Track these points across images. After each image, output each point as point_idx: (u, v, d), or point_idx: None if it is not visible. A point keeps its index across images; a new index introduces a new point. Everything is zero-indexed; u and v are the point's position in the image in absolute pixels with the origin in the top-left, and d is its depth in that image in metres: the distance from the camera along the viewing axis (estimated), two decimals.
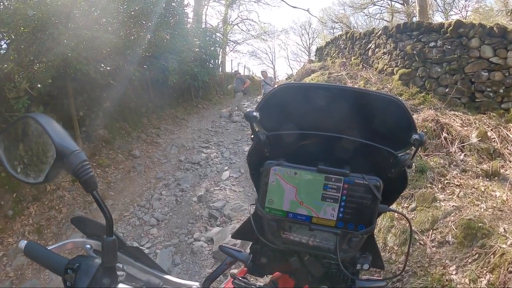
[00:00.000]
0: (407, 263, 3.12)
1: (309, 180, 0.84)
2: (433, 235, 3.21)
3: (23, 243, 0.80)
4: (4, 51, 4.92)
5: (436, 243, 3.13)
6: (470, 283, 2.64)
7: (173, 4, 8.98)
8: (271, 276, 1.32)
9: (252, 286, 0.95)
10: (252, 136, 0.90)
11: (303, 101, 0.93)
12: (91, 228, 0.94)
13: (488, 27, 5.69)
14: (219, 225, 4.59)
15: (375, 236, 0.99)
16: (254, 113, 0.85)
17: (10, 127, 0.75)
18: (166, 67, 8.40)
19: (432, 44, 6.37)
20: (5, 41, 4.84)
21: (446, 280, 2.73)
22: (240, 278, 0.97)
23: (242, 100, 12.17)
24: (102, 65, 6.73)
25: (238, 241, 3.99)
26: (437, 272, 2.81)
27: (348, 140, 0.88)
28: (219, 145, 8.01)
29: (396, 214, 3.48)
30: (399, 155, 0.85)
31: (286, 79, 16.18)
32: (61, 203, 4.99)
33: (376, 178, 0.83)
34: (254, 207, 1.00)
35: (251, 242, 1.12)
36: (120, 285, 0.72)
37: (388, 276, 2.96)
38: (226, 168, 6.43)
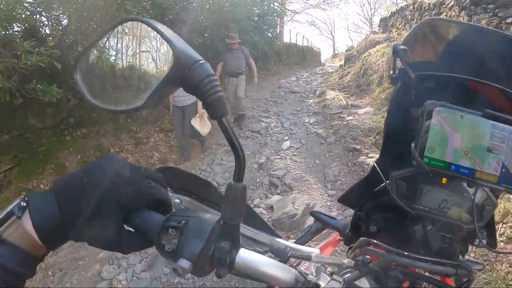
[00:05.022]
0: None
1: (475, 126, 0.70)
2: (503, 229, 2.95)
3: None
4: (65, 25, 5.09)
5: (505, 238, 2.88)
6: None
7: None
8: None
9: (393, 255, 0.79)
10: (394, 75, 0.76)
11: (453, 40, 0.80)
12: (179, 180, 0.80)
13: None
14: (279, 193, 4.52)
15: None
16: (402, 47, 0.71)
17: (94, 43, 0.58)
18: (226, 36, 8.33)
19: (509, 19, 5.63)
20: (65, 16, 4.98)
21: (511, 279, 2.52)
22: (373, 243, 0.81)
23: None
24: None
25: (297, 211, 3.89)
26: (503, 269, 2.59)
27: (502, 90, 0.74)
28: (279, 115, 7.89)
29: None
30: None
31: (346, 51, 15.49)
32: None
33: None
34: (376, 164, 0.87)
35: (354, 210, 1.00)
36: (242, 251, 0.57)
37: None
38: (286, 138, 6.31)
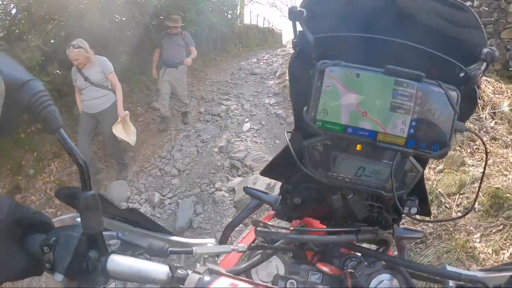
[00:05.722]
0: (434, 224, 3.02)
1: (375, 84, 0.65)
2: (460, 199, 3.12)
3: None
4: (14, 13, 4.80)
5: (462, 208, 3.05)
6: (492, 253, 2.58)
7: None
8: (298, 221, 1.20)
9: (280, 230, 0.79)
10: (295, 39, 0.71)
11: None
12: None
13: None
14: (240, 175, 4.56)
15: None
16: (299, 9, 0.66)
17: None
18: (183, 18, 8.07)
19: (468, 3, 5.79)
20: (13, 5, 4.71)
21: (470, 247, 2.66)
22: (263, 223, 0.80)
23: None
24: (117, 15, 6.52)
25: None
26: (462, 238, 2.73)
27: (413, 47, 0.69)
28: (239, 97, 7.82)
29: None
30: (468, 70, 0.68)
31: None
32: None
33: (454, 88, 0.65)
34: (289, 135, 0.84)
35: (281, 182, 0.97)
36: (112, 257, 0.58)
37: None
38: (246, 120, 6.31)
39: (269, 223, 0.81)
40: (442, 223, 2.96)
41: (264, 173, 1.02)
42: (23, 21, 4.50)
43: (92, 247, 0.57)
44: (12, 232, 0.56)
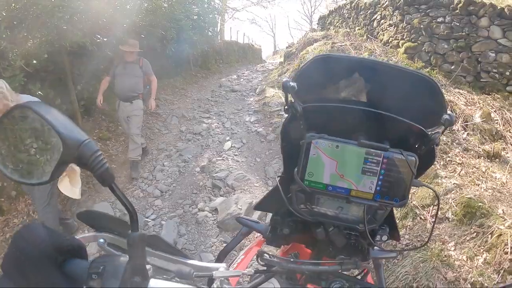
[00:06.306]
0: (409, 236, 3.19)
1: (350, 153, 0.86)
2: (434, 210, 3.28)
3: None
4: None
5: (437, 219, 3.19)
6: (467, 260, 2.73)
7: None
8: (286, 246, 1.36)
9: (282, 262, 0.96)
10: (286, 107, 0.90)
11: (340, 73, 0.95)
12: (100, 221, 0.92)
13: (499, 8, 5.56)
14: (222, 195, 4.64)
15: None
16: (292, 83, 0.84)
17: None
18: (164, 36, 8.18)
19: (440, 19, 6.25)
20: None
21: (445, 255, 2.80)
22: (268, 255, 0.98)
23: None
24: (99, 36, 6.55)
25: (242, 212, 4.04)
26: (436, 247, 2.88)
27: (383, 115, 0.89)
28: (220, 115, 7.94)
29: None
30: (429, 133, 0.88)
31: (287, 47, 15.88)
32: None
33: (413, 154, 0.85)
34: (279, 179, 1.03)
35: (271, 214, 1.17)
36: (152, 281, 0.67)
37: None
38: (227, 138, 6.42)
39: (271, 254, 0.98)
40: (416, 236, 3.12)
41: (257, 207, 1.20)
42: (4, 36, 4.49)
43: (136, 274, 0.64)
44: (53, 259, 0.63)
